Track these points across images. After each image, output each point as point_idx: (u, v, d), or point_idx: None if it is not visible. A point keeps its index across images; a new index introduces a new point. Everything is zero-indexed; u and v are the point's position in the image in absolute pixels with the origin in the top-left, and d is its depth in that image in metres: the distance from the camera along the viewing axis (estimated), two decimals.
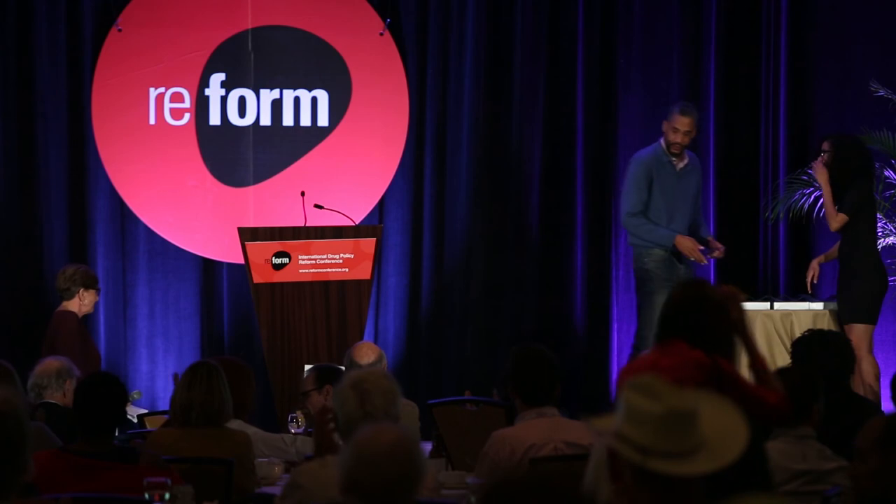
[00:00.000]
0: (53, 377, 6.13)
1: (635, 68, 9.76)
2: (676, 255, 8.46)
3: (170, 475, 4.49)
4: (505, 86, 9.70)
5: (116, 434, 4.92)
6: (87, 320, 9.31)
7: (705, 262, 8.58)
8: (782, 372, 4.98)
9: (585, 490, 3.32)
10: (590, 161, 9.74)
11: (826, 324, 8.34)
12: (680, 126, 8.46)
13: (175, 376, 7.15)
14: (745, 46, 9.81)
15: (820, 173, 8.21)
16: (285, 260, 8.16)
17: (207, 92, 9.50)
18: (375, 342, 8.59)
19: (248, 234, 8.21)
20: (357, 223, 8.76)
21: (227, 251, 9.23)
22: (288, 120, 9.58)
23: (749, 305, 8.73)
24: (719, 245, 8.55)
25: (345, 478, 3.40)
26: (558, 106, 9.73)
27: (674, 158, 8.55)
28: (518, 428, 5.21)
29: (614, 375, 9.55)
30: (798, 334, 6.21)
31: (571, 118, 9.72)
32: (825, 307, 8.63)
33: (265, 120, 9.56)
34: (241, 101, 9.53)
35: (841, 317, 8.29)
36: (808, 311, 8.61)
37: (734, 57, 9.79)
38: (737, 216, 9.75)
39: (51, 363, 6.27)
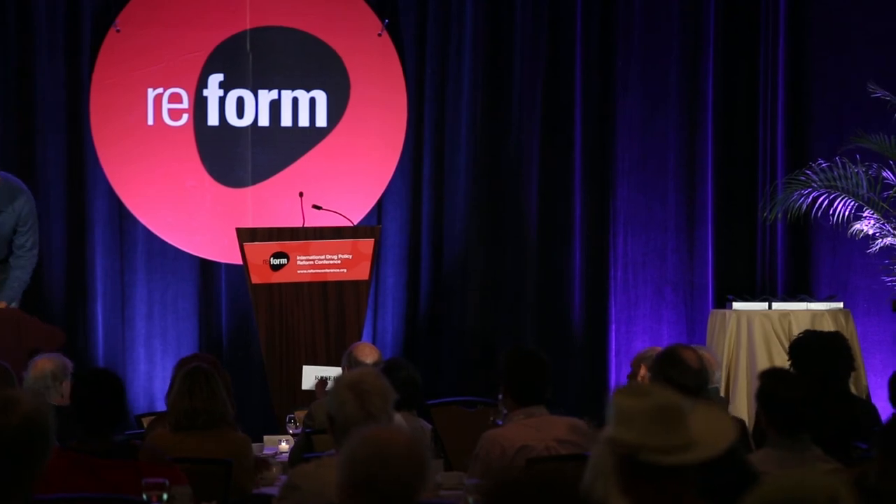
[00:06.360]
0: (49, 379, 6.08)
1: (634, 70, 9.76)
2: None
3: (169, 473, 4.48)
4: (503, 86, 9.70)
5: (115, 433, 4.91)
6: (85, 319, 9.32)
7: None
8: (778, 376, 4.97)
9: (584, 491, 3.35)
10: (588, 162, 9.74)
11: (824, 324, 8.35)
12: None
13: None
14: (743, 47, 9.81)
15: None
16: (283, 261, 8.16)
17: (206, 92, 9.50)
18: (374, 343, 8.59)
19: (247, 235, 8.21)
20: (355, 224, 8.76)
21: (225, 252, 9.23)
22: (286, 120, 9.58)
23: (747, 305, 8.75)
24: None
25: (351, 478, 3.34)
26: (557, 107, 9.73)
27: None
28: (508, 428, 5.26)
29: (612, 376, 9.55)
30: (796, 334, 6.21)
31: (570, 119, 9.72)
32: (823, 307, 8.64)
33: (263, 120, 9.56)
34: (240, 102, 9.53)
35: None
36: (806, 312, 8.62)
37: (732, 58, 9.80)
38: (735, 217, 9.75)
39: (44, 365, 6.16)
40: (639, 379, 5.93)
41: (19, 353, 7.27)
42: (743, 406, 8.30)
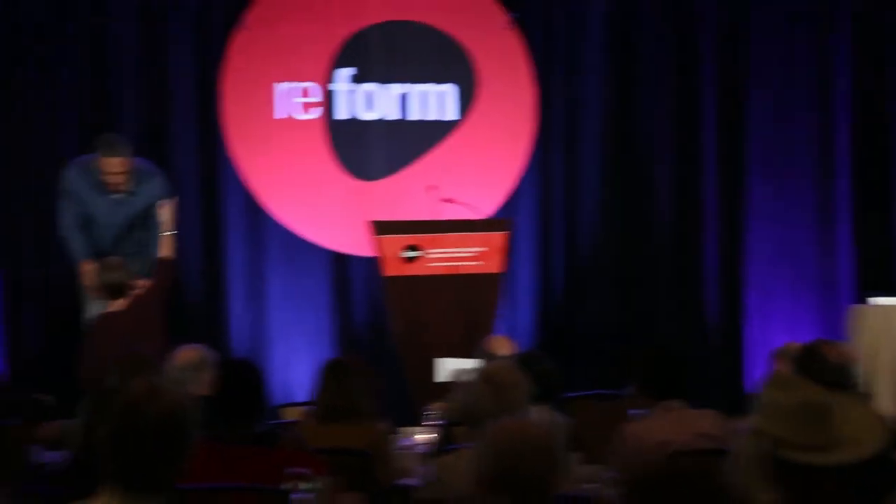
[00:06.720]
0: (192, 369, 6.13)
1: (767, 61, 9.63)
2: None
3: (312, 463, 4.50)
4: (633, 77, 9.63)
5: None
6: (223, 313, 9.41)
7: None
8: None
9: (726, 483, 3.32)
10: (722, 154, 9.63)
11: None
12: (107, 168, 8.04)
13: None
14: (877, 34, 9.63)
15: None
16: (416, 253, 8.18)
17: (336, 87, 9.56)
18: (507, 335, 8.57)
19: (380, 228, 8.25)
20: (487, 217, 8.76)
21: (357, 244, 9.29)
22: (416, 114, 9.61)
23: (888, 301, 8.59)
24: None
25: (487, 470, 3.36)
26: (687, 97, 9.64)
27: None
28: (647, 422, 5.23)
29: (748, 371, 9.43)
30: None
31: (701, 109, 9.62)
32: None
33: (393, 114, 9.60)
34: (369, 96, 9.58)
35: None
36: None
37: (868, 46, 9.62)
38: (873, 210, 9.58)
39: (187, 355, 6.22)
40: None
41: (155, 323, 7.40)
42: (885, 403, 8.14)
